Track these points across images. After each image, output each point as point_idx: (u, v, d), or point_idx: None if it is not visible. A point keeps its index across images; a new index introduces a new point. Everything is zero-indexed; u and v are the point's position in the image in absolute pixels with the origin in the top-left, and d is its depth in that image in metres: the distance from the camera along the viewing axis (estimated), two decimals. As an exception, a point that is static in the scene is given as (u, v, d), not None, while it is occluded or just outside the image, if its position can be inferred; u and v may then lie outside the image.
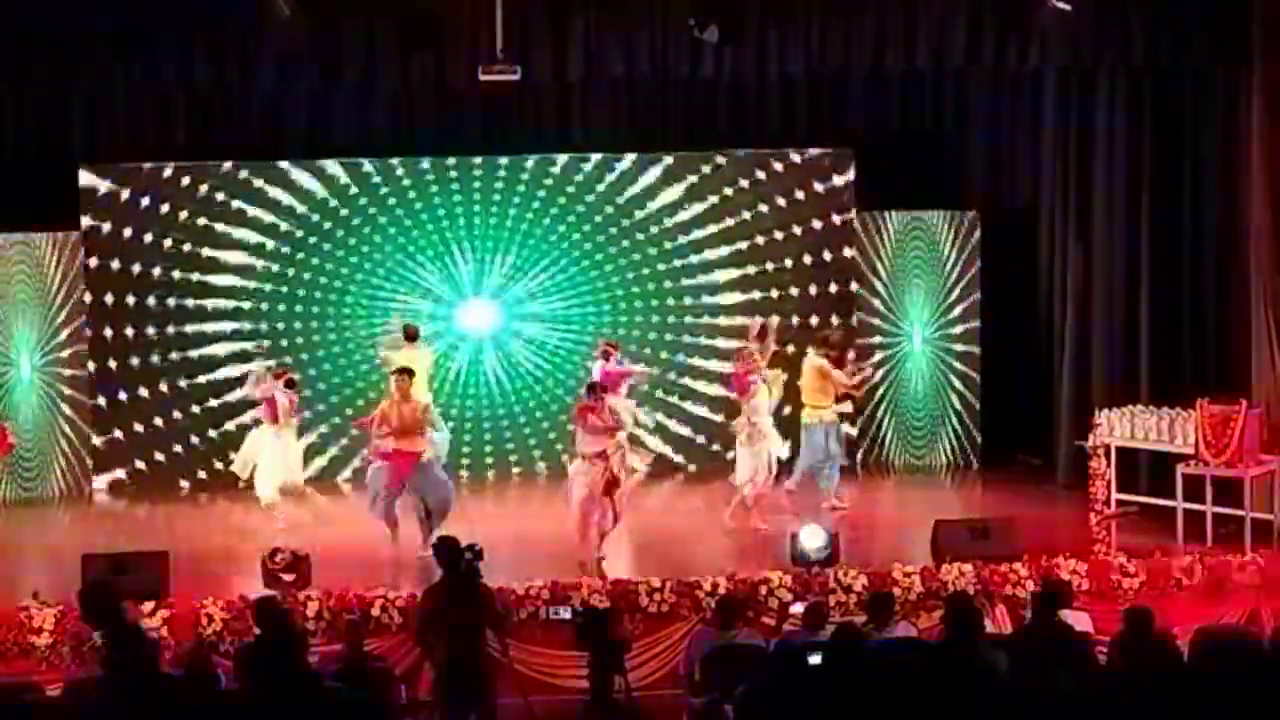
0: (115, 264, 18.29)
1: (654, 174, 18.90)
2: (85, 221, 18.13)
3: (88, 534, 16.64)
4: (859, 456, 19.02)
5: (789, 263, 19.01)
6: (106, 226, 18.23)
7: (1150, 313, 17.35)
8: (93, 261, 18.24)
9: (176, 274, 18.43)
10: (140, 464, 18.55)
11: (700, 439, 19.10)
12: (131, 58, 15.73)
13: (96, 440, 18.39)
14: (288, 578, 13.82)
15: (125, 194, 18.21)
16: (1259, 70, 16.13)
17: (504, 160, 18.75)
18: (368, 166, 18.64)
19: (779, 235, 18.99)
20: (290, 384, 16.81)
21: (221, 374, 18.51)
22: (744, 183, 18.98)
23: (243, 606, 13.09)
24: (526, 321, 18.94)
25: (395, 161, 18.65)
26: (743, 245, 19.01)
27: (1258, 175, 16.25)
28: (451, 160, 18.70)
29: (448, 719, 11.57)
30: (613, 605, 13.30)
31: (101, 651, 9.85)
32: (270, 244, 18.57)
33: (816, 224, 19.01)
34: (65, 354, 18.31)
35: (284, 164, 18.54)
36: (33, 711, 9.52)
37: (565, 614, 13.24)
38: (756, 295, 18.97)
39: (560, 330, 18.96)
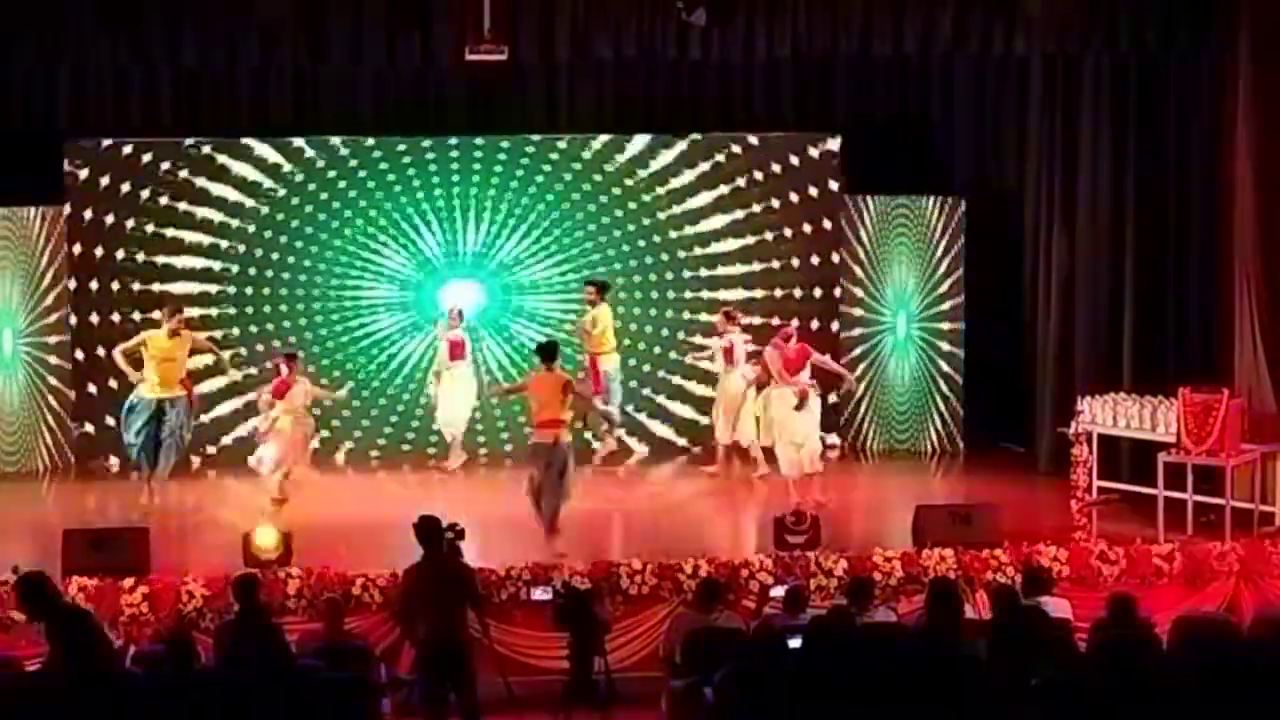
0: (99, 243, 18.33)
1: (643, 155, 18.93)
2: (68, 209, 18.24)
3: (70, 508, 16.66)
4: (843, 441, 19.13)
5: (771, 244, 19.04)
6: (88, 214, 18.31)
7: (1134, 300, 17.37)
8: (76, 231, 18.27)
9: (157, 256, 18.46)
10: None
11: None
12: (117, 34, 15.69)
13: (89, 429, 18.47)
14: (269, 555, 13.81)
15: (107, 178, 18.25)
16: (1245, 57, 16.13)
17: (488, 141, 18.75)
18: (357, 144, 18.65)
19: (762, 217, 19.01)
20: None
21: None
22: (728, 165, 18.99)
23: (224, 583, 13.08)
24: (512, 303, 18.91)
25: (380, 140, 18.64)
26: (726, 225, 19.04)
27: (1242, 163, 16.25)
28: (436, 140, 18.69)
29: (428, 698, 11.59)
30: (593, 587, 13.31)
31: (46, 643, 9.79)
32: (253, 225, 18.56)
33: (800, 207, 19.03)
34: (50, 328, 18.29)
35: (268, 142, 18.51)
36: (10, 686, 9.50)
37: (546, 595, 13.26)
38: (739, 274, 19.06)
39: (552, 313, 18.96)
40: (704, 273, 19.08)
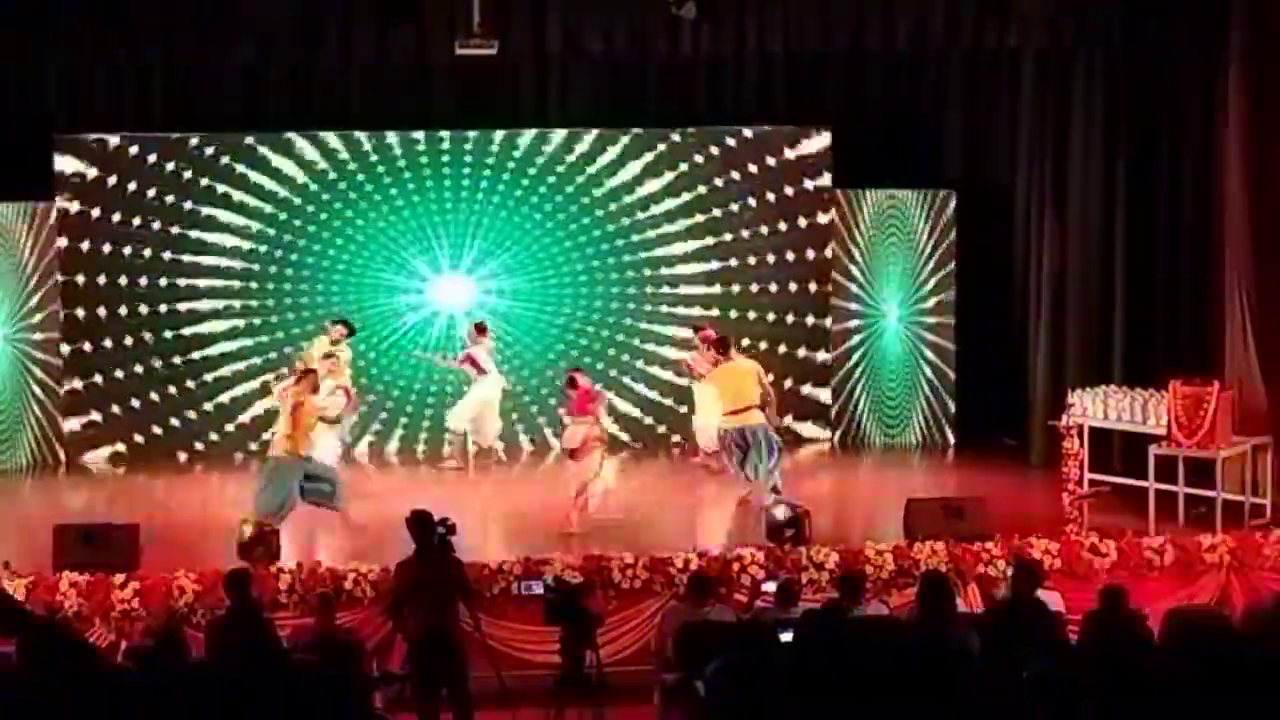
0: (88, 242, 18.33)
1: (626, 150, 18.93)
2: (60, 203, 18.18)
3: (61, 505, 16.64)
4: (835, 435, 19.15)
5: (763, 240, 19.04)
6: (79, 206, 18.27)
7: (1125, 293, 17.41)
8: (63, 242, 18.26)
9: (149, 252, 18.47)
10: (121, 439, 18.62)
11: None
12: (110, 29, 15.67)
13: (75, 424, 18.50)
14: (259, 550, 13.80)
15: (97, 173, 18.24)
16: (1236, 52, 16.15)
17: (479, 135, 18.74)
18: (348, 140, 18.66)
19: (753, 212, 19.03)
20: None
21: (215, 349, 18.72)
22: (718, 160, 19.00)
23: (215, 578, 13.06)
24: (500, 297, 18.91)
25: (371, 135, 18.65)
26: (716, 221, 19.06)
27: (1233, 157, 16.27)
28: (427, 134, 18.68)
29: (420, 692, 11.58)
30: (585, 580, 13.30)
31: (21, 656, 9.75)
32: (248, 221, 18.58)
33: (791, 202, 19.03)
34: (37, 324, 18.30)
35: (262, 139, 18.53)
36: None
37: (538, 589, 13.24)
38: (732, 270, 19.09)
39: (535, 306, 18.94)
40: (694, 268, 19.13)
